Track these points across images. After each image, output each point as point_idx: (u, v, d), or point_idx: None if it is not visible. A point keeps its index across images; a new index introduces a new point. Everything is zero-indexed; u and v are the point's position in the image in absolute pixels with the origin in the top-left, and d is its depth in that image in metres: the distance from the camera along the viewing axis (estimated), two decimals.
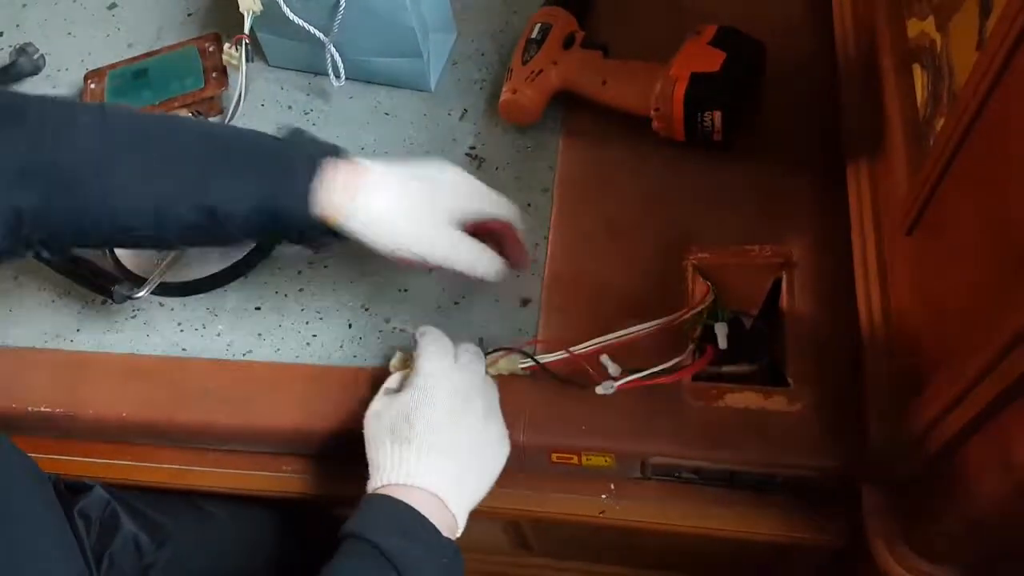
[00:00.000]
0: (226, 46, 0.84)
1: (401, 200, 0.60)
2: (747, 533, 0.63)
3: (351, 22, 0.76)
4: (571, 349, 0.62)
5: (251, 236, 0.63)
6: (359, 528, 0.53)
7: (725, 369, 0.65)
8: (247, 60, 0.83)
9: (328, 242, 0.62)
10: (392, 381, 0.63)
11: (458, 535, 0.57)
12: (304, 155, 0.60)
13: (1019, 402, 0.39)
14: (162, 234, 0.59)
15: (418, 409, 0.57)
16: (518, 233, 0.66)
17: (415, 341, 0.62)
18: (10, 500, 0.58)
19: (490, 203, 0.64)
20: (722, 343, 0.64)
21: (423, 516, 0.54)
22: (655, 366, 0.61)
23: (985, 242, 0.43)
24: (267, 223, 0.59)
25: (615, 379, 0.60)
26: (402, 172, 0.61)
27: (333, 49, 0.77)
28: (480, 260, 0.62)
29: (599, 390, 0.60)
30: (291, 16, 0.75)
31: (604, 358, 0.61)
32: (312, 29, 0.76)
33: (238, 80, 0.82)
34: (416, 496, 0.55)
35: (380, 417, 0.59)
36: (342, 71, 0.79)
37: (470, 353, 0.62)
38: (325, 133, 0.82)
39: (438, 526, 0.55)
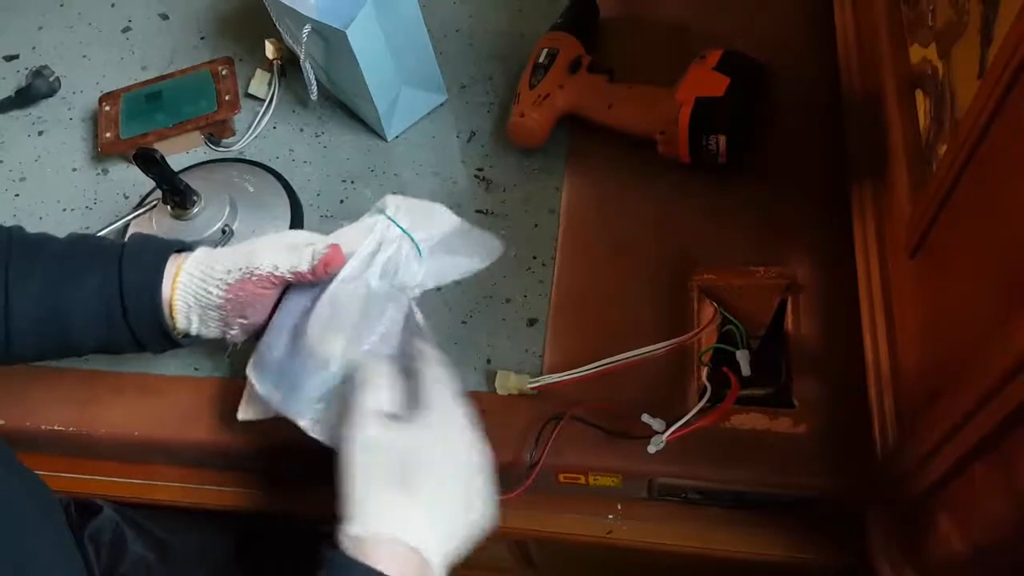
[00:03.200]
0: (258, 71, 0.88)
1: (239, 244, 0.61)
2: (753, 554, 0.64)
3: (325, 51, 0.78)
4: (580, 370, 0.63)
5: (102, 339, 0.60)
6: None
7: (741, 392, 0.65)
8: (279, 75, 0.87)
9: (181, 343, 0.61)
10: (383, 398, 0.52)
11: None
12: (150, 245, 0.60)
13: (1023, 427, 0.39)
14: (13, 348, 0.58)
15: (433, 455, 0.51)
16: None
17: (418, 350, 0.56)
18: (22, 533, 0.58)
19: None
20: (745, 370, 0.64)
21: None
22: (687, 402, 0.61)
23: (987, 266, 0.43)
24: (115, 316, 0.58)
25: (661, 433, 0.61)
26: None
27: (308, 67, 0.79)
28: (302, 250, 0.58)
29: (651, 448, 0.61)
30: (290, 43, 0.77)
31: (646, 416, 0.62)
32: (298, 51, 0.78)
33: (266, 96, 0.86)
34: (397, 553, 0.49)
35: (378, 452, 0.50)
36: (314, 87, 0.81)
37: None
38: (336, 155, 0.84)
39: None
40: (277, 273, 0.58)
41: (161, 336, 0.60)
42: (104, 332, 0.59)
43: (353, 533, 0.49)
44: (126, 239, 0.61)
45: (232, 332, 0.61)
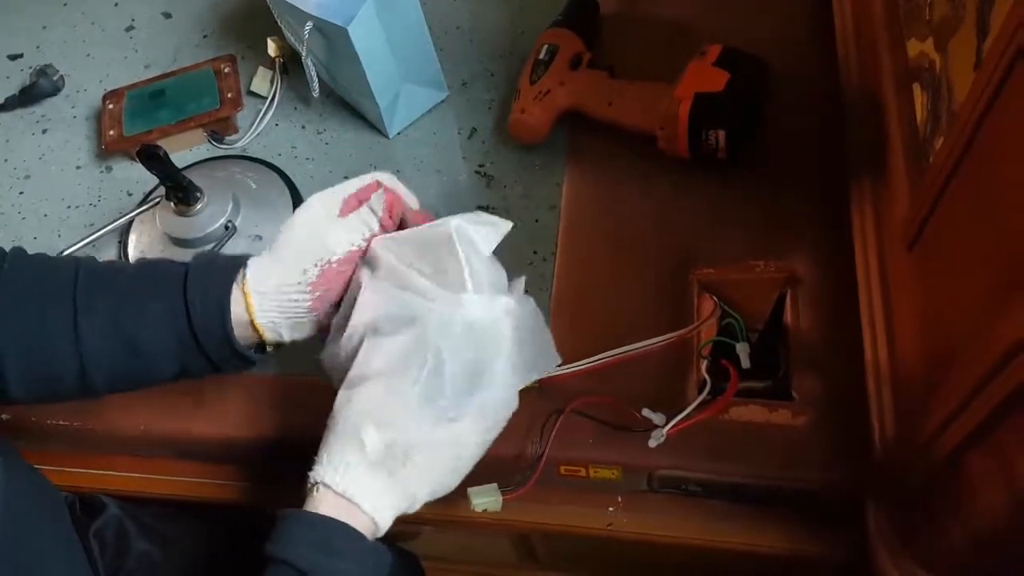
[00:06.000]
0: (260, 68, 0.88)
1: (279, 243, 0.58)
2: (752, 546, 0.64)
3: (327, 48, 0.78)
4: (580, 363, 0.63)
5: (177, 366, 0.58)
6: (279, 551, 0.51)
7: (740, 385, 0.65)
8: (281, 73, 0.88)
9: (256, 356, 0.59)
10: (401, 370, 0.53)
11: (380, 535, 0.54)
12: (212, 271, 0.58)
13: (1016, 415, 0.39)
14: (88, 381, 0.57)
15: (422, 461, 0.53)
16: (408, 202, 0.61)
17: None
18: (24, 532, 0.58)
19: (360, 180, 0.60)
20: (745, 363, 0.65)
21: (343, 524, 0.51)
22: (684, 394, 0.61)
23: (982, 257, 0.44)
24: (188, 346, 0.57)
25: (662, 427, 0.61)
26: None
27: (310, 64, 0.80)
28: (362, 214, 0.57)
29: (651, 443, 0.61)
30: (291, 40, 0.78)
31: (647, 411, 0.62)
32: (300, 48, 0.78)
33: (268, 94, 0.87)
34: (345, 507, 0.52)
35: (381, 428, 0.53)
36: (316, 84, 0.81)
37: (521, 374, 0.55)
38: (337, 152, 0.84)
39: (358, 528, 0.52)
40: (354, 248, 0.57)
41: (241, 360, 0.58)
42: (179, 364, 0.58)
43: (320, 478, 0.52)
44: (191, 260, 0.59)
45: (324, 323, 0.59)
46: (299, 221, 0.58)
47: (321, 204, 0.59)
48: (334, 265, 0.57)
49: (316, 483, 0.52)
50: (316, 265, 0.56)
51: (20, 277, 0.57)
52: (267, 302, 0.57)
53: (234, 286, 0.57)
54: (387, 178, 0.61)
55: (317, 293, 0.57)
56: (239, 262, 0.58)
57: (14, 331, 0.56)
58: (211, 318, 0.56)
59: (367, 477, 0.52)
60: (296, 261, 0.57)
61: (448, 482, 0.55)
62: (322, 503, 0.52)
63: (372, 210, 0.58)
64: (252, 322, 0.57)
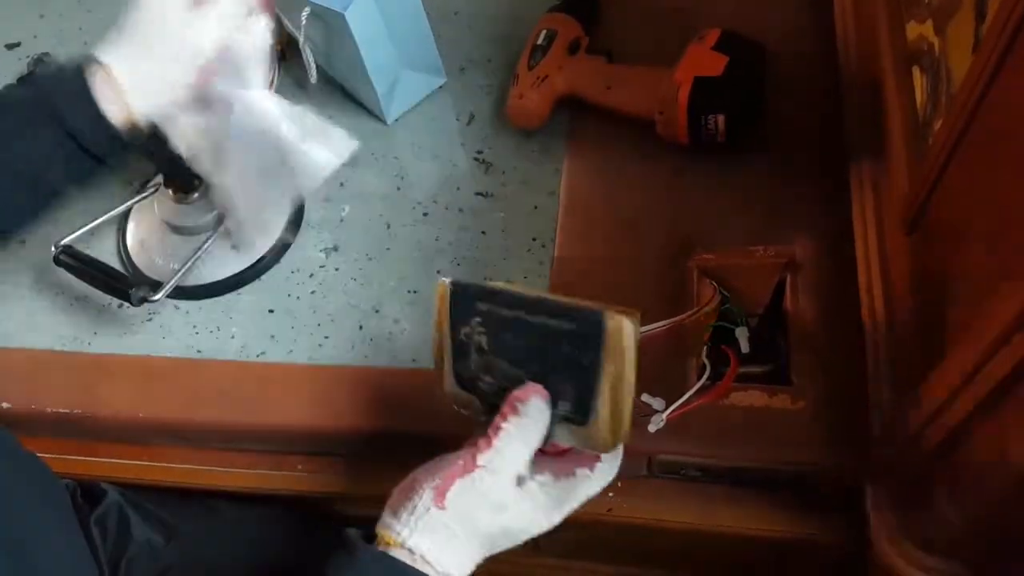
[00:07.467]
0: None
1: (137, 31, 0.58)
2: (752, 530, 0.64)
3: (325, 34, 0.78)
4: None
5: (69, 174, 0.61)
6: None
7: (740, 370, 0.65)
8: (279, 60, 0.86)
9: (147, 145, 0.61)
10: (524, 459, 0.52)
11: None
12: (67, 74, 0.58)
13: (1015, 397, 0.39)
14: None
15: (524, 536, 0.54)
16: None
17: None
18: (23, 522, 0.58)
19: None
20: (744, 347, 0.65)
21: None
22: (681, 380, 0.61)
23: (981, 240, 0.44)
24: (72, 150, 0.58)
25: (662, 412, 0.61)
26: None
27: (308, 50, 0.79)
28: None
29: (651, 428, 0.61)
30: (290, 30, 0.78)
31: (646, 396, 0.62)
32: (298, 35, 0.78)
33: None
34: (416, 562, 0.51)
35: (499, 511, 0.52)
36: (314, 71, 0.80)
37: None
38: None
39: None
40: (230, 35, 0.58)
41: (121, 144, 0.60)
42: (62, 168, 0.59)
43: (402, 538, 0.50)
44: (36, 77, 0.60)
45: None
46: (153, 6, 0.58)
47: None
48: (212, 64, 0.58)
49: (384, 534, 0.51)
50: (193, 67, 0.58)
51: None
52: (146, 100, 0.58)
53: (102, 84, 0.57)
54: None
55: (198, 83, 0.58)
56: (80, 67, 0.58)
57: None
58: (85, 116, 0.57)
59: (431, 536, 0.51)
60: (171, 61, 0.57)
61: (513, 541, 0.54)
62: (393, 552, 0.51)
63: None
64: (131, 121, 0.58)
